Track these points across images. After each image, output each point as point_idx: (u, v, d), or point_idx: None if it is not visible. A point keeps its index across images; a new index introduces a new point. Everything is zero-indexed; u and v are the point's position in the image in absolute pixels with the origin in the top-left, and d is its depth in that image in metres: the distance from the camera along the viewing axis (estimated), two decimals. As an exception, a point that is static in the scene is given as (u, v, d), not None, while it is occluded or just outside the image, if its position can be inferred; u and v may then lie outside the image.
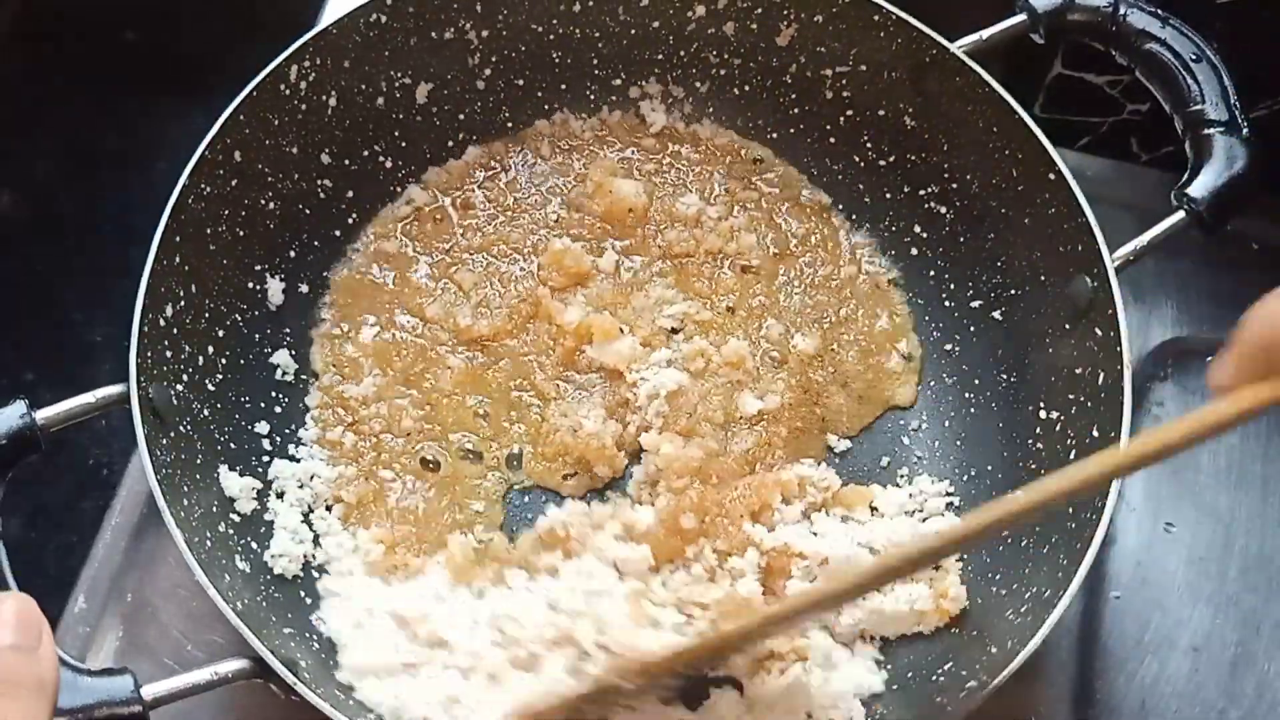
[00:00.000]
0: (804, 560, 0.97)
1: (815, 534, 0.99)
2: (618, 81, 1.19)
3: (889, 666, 0.96)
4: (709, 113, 1.19)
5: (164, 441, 0.90)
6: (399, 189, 1.14)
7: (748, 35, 1.16)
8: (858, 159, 1.16)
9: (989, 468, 1.04)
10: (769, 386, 1.07)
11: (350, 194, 1.12)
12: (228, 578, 0.89)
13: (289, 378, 1.05)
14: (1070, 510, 0.94)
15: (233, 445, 0.99)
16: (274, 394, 1.04)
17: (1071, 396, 0.99)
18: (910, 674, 0.95)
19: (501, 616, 0.91)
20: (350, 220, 1.12)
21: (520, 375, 1.06)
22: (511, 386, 1.06)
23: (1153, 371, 1.14)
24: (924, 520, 1.02)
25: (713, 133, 1.19)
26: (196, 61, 1.38)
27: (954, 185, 1.11)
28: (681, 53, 1.18)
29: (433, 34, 1.11)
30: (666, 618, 0.89)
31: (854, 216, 1.16)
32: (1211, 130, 1.00)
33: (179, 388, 0.95)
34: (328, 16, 1.08)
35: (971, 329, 1.10)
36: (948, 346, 1.10)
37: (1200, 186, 0.98)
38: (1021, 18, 1.08)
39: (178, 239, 0.96)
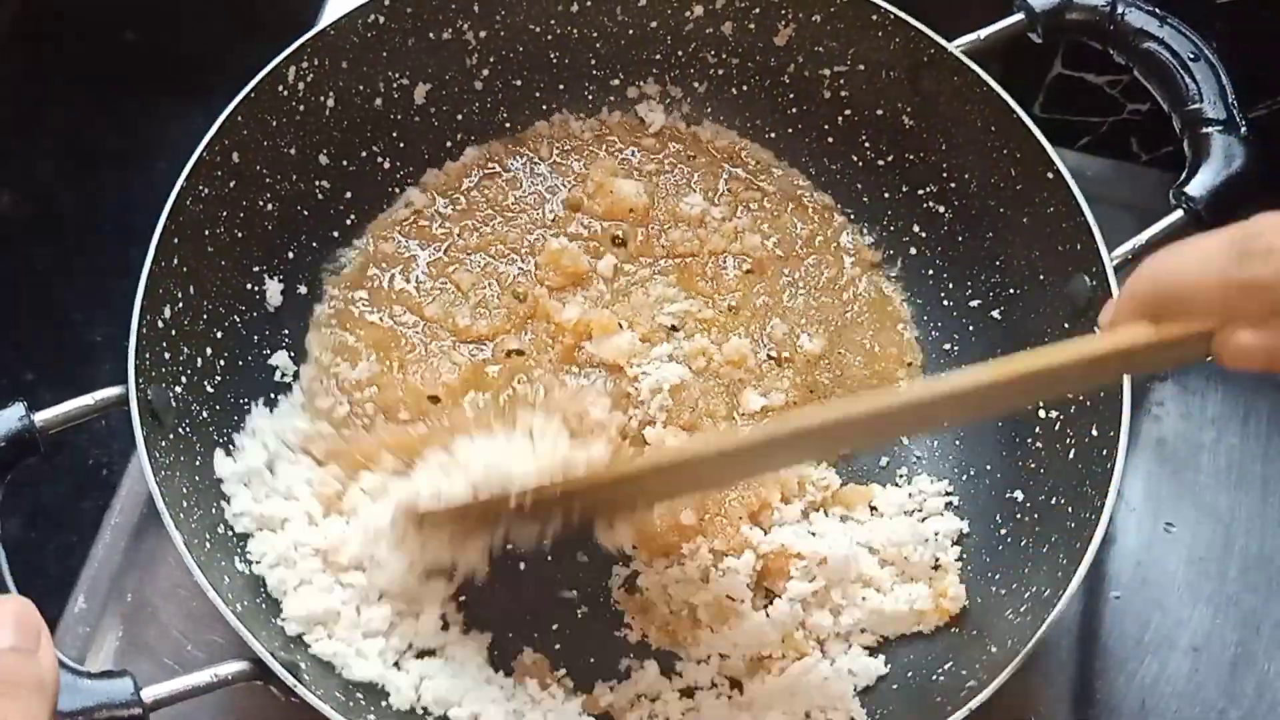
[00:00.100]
0: (802, 560, 0.97)
1: (814, 534, 0.99)
2: (615, 82, 1.19)
3: (889, 666, 0.96)
4: (708, 113, 1.19)
5: (163, 443, 0.90)
6: (397, 190, 1.14)
7: (745, 35, 1.16)
8: (856, 159, 1.16)
9: (988, 467, 1.04)
10: (773, 384, 1.07)
11: (348, 195, 1.12)
12: (227, 579, 0.89)
13: (288, 379, 1.05)
14: (1070, 510, 0.94)
15: (232, 447, 0.99)
16: (273, 395, 1.04)
17: (1071, 396, 0.99)
18: (910, 674, 0.95)
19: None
20: (348, 221, 1.11)
21: (520, 370, 1.06)
22: (512, 382, 1.06)
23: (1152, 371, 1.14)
24: (923, 520, 1.02)
25: (713, 134, 1.19)
26: (196, 61, 1.38)
27: (952, 185, 1.11)
28: (679, 53, 1.18)
29: (431, 35, 1.11)
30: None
31: (852, 216, 1.16)
32: (1210, 129, 1.00)
33: (178, 389, 0.95)
34: (327, 17, 1.08)
35: (971, 328, 1.10)
36: (947, 346, 1.10)
37: (1198, 185, 0.98)
38: (1019, 17, 1.08)
39: (176, 241, 0.95)
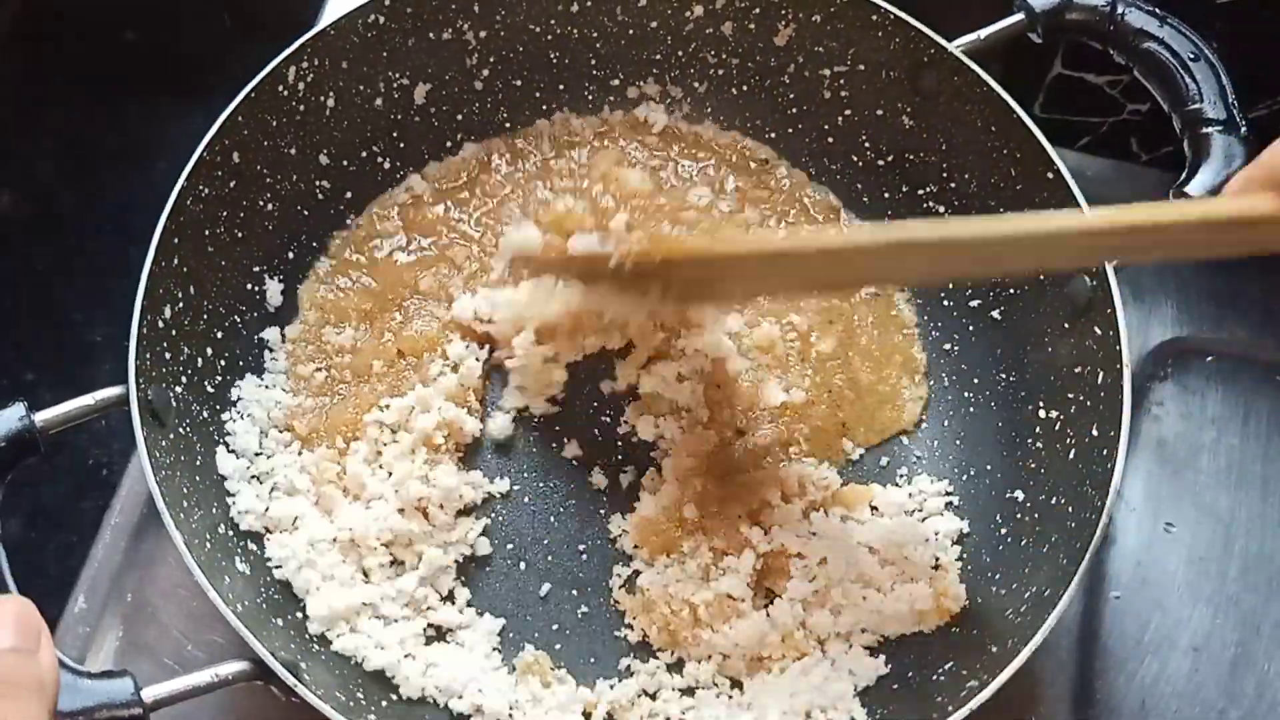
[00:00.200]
0: (802, 560, 0.97)
1: (814, 534, 0.99)
2: (616, 82, 1.19)
3: (889, 666, 0.96)
4: (708, 113, 1.19)
5: (163, 443, 0.90)
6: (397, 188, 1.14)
7: (746, 35, 1.16)
8: (856, 158, 1.16)
9: (988, 467, 1.04)
10: (795, 381, 1.07)
11: (349, 195, 1.12)
12: (228, 579, 0.89)
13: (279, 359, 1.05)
14: (1070, 510, 0.94)
15: (231, 446, 0.99)
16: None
17: (1071, 396, 0.99)
18: (910, 674, 0.95)
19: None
20: (348, 222, 1.11)
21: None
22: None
23: (1152, 371, 1.14)
24: (923, 520, 1.02)
25: (714, 134, 1.19)
26: (196, 61, 1.38)
27: (952, 184, 1.11)
28: (679, 53, 1.18)
29: (430, 34, 1.11)
30: None
31: (853, 216, 1.16)
32: (1210, 129, 1.00)
33: (178, 389, 0.95)
34: (327, 17, 1.08)
35: (971, 329, 1.10)
36: (947, 346, 1.10)
37: (1198, 185, 0.98)
38: (1019, 17, 1.08)
39: (176, 241, 0.96)
